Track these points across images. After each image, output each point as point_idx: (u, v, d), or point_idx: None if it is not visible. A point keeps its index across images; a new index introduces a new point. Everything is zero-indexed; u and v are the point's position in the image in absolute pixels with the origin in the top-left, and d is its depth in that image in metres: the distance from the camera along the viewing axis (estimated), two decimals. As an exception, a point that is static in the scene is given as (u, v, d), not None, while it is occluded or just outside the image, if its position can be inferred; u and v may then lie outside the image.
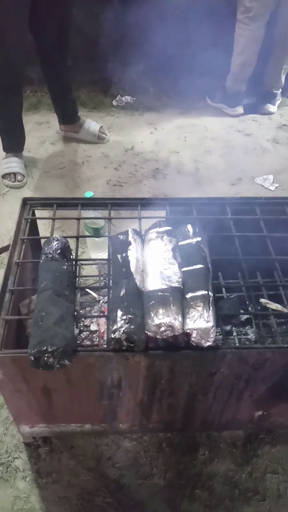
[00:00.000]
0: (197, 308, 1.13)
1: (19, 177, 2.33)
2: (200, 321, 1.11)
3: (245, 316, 1.54)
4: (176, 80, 3.04)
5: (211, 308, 1.13)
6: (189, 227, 1.33)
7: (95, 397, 1.25)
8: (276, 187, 2.47)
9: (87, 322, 1.59)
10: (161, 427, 1.45)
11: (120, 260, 1.22)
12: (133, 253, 1.22)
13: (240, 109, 2.97)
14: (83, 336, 1.57)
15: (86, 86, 2.99)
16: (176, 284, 1.16)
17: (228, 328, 1.55)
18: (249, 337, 1.52)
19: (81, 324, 1.58)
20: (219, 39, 2.75)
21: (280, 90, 2.99)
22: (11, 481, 1.38)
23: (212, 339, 1.12)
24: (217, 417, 1.42)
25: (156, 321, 1.09)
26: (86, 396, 1.25)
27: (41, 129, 2.74)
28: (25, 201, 1.45)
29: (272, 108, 3.01)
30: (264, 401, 1.36)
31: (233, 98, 2.95)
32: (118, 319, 1.09)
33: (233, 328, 1.54)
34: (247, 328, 1.58)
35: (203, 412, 1.39)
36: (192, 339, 1.12)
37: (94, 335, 1.57)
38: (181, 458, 1.47)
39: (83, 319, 1.57)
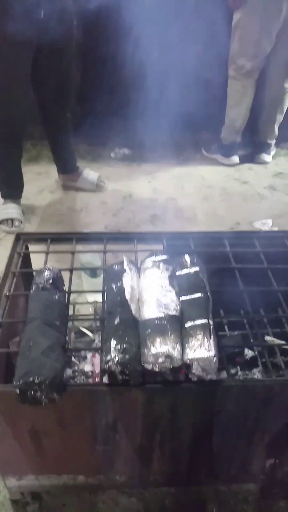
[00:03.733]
0: (197, 337, 1.05)
1: (16, 223, 2.32)
2: (200, 351, 1.03)
3: (251, 354, 1.45)
4: (172, 133, 3.14)
5: (212, 336, 1.05)
6: (187, 257, 1.28)
7: (89, 441, 1.14)
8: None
9: (81, 365, 1.49)
10: (163, 479, 1.31)
11: (114, 289, 1.16)
12: (128, 281, 1.16)
13: (235, 159, 3.03)
14: (76, 381, 1.46)
15: (84, 140, 3.07)
16: (174, 312, 1.09)
17: (233, 371, 1.45)
18: (256, 376, 1.42)
19: (75, 367, 1.49)
20: (212, 93, 2.87)
21: (274, 140, 3.07)
22: None
23: (214, 370, 1.03)
24: (225, 467, 1.29)
25: (153, 350, 1.01)
26: (78, 440, 1.14)
27: (40, 179, 2.78)
28: (19, 236, 1.42)
29: (267, 157, 3.07)
30: (275, 446, 1.23)
31: (228, 149, 3.02)
32: (112, 349, 1.01)
33: (238, 367, 1.44)
34: (253, 370, 1.49)
35: (209, 461, 1.26)
36: (193, 371, 1.03)
37: (89, 379, 1.47)
38: (187, 517, 1.32)
39: (77, 363, 1.49)
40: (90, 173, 2.67)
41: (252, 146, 3.11)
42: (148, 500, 1.33)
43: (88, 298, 1.80)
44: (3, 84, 2.04)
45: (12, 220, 2.32)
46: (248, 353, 1.46)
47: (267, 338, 1.49)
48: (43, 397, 0.94)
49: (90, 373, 1.44)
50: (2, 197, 2.39)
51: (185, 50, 2.80)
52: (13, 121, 2.17)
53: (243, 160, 3.06)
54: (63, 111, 2.40)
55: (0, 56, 1.97)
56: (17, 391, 0.93)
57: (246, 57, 2.67)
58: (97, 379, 1.39)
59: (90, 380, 1.43)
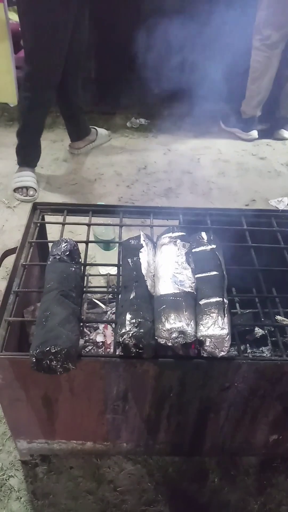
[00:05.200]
0: (211, 314, 1.06)
1: (31, 192, 2.31)
2: (214, 328, 1.04)
3: (260, 333, 1.46)
4: (190, 105, 3.06)
5: (226, 315, 1.06)
6: (203, 234, 1.28)
7: (99, 409, 1.17)
8: (291, 209, 2.42)
9: (92, 335, 1.52)
10: (168, 449, 1.35)
11: (130, 263, 1.17)
12: (144, 256, 1.16)
13: (254, 134, 2.96)
14: (88, 350, 1.49)
15: (100, 109, 3.02)
16: (189, 289, 1.10)
17: (242, 347, 1.47)
18: (265, 355, 1.43)
19: (86, 337, 1.51)
20: (234, 64, 2.78)
21: (295, 116, 2.99)
22: (5, 501, 1.28)
23: (227, 348, 1.05)
24: (228, 440, 1.32)
25: (167, 326, 1.02)
26: (89, 408, 1.17)
27: (55, 147, 2.75)
28: (35, 206, 1.42)
29: (286, 134, 3.00)
30: (280, 423, 1.26)
31: (248, 123, 2.95)
32: (127, 322, 1.03)
33: (247, 345, 1.46)
34: (261, 348, 1.50)
35: (214, 434, 1.29)
36: (205, 347, 1.05)
37: (100, 350, 1.49)
38: (189, 485, 1.36)
39: (88, 333, 1.51)
40: (99, 129, 2.75)
41: (271, 121, 3.03)
42: (152, 467, 1.38)
43: (100, 270, 1.81)
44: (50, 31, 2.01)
45: (26, 188, 2.30)
46: (258, 331, 1.47)
47: (278, 317, 1.50)
48: (58, 366, 0.96)
49: (101, 344, 1.46)
50: (18, 164, 2.37)
51: (205, 18, 2.69)
52: (55, 67, 2.14)
53: (261, 135, 2.99)
54: (76, 80, 2.39)
55: None
56: (34, 359, 0.95)
57: (274, 27, 2.55)
58: (108, 350, 1.41)
59: (101, 350, 1.46)
